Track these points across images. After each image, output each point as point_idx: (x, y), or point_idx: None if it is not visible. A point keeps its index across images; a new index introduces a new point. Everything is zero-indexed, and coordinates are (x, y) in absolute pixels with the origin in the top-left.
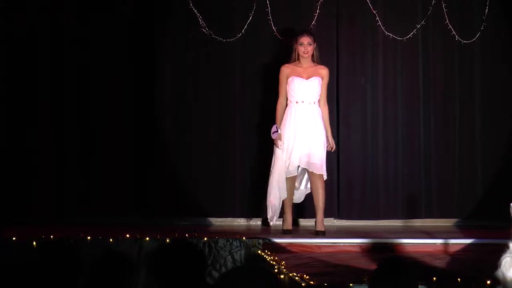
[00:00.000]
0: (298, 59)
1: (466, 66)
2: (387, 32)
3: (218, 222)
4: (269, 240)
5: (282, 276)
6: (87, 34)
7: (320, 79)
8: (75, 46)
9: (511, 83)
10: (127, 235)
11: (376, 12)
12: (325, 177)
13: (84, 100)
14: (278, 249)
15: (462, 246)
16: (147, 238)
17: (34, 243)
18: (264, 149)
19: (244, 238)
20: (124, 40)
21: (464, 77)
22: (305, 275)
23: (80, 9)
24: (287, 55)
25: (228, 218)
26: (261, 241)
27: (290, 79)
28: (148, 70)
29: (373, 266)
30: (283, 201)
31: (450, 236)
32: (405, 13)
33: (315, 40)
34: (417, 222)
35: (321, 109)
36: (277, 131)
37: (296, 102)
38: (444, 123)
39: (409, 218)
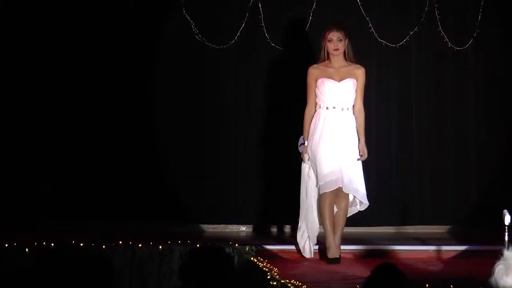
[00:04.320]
0: (328, 58)
1: (460, 72)
2: (380, 39)
3: (210, 228)
4: (262, 246)
5: (274, 283)
6: (82, 39)
7: (355, 80)
8: (73, 50)
9: (504, 89)
10: (120, 242)
11: (369, 19)
12: (365, 203)
13: (78, 106)
14: (271, 256)
15: (455, 252)
16: (140, 245)
17: (27, 249)
18: (257, 155)
19: (236, 245)
20: (118, 47)
21: (458, 84)
22: (298, 282)
23: (73, 14)
24: (281, 62)
25: (221, 225)
26: (254, 247)
27: (319, 81)
28: (142, 76)
29: (366, 273)
30: (323, 225)
31: (443, 243)
32: (398, 20)
33: (346, 35)
34: (410, 229)
35: (355, 115)
36: (303, 143)
37: (327, 108)
38: (438, 129)
39: (402, 225)
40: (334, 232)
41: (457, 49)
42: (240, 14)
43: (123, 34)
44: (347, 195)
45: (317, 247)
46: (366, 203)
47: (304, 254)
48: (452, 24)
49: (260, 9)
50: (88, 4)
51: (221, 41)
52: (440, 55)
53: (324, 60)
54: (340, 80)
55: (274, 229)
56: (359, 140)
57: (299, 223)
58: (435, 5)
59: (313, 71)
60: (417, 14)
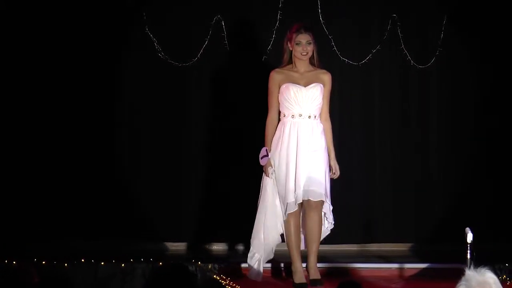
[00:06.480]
0: (292, 62)
1: (422, 90)
2: (343, 57)
3: (174, 246)
4: (225, 264)
5: None
6: (42, 56)
7: (322, 86)
8: (36, 70)
9: (467, 106)
10: (82, 260)
11: (331, 37)
12: (329, 208)
13: (40, 123)
14: (234, 274)
15: (417, 270)
16: (102, 263)
17: None
18: (221, 173)
19: (199, 262)
20: (79, 66)
21: (421, 102)
22: None
23: (31, 32)
24: (243, 79)
25: (184, 243)
26: (217, 265)
27: (283, 86)
28: (104, 95)
29: None
30: (289, 246)
31: (405, 261)
32: (361, 38)
33: (315, 39)
34: (373, 247)
35: (322, 125)
36: (267, 156)
37: (292, 115)
38: (401, 147)
39: (365, 243)
40: (309, 251)
41: (419, 67)
42: (203, 31)
43: (84, 52)
44: (318, 207)
45: (281, 264)
46: (331, 221)
47: (249, 276)
48: (415, 42)
49: (223, 26)
50: (48, 21)
51: (183, 58)
52: (402, 73)
53: (287, 64)
54: (306, 85)
55: (241, 247)
56: (329, 155)
57: (251, 242)
58: (398, 23)
59: (276, 75)
60: (380, 33)
